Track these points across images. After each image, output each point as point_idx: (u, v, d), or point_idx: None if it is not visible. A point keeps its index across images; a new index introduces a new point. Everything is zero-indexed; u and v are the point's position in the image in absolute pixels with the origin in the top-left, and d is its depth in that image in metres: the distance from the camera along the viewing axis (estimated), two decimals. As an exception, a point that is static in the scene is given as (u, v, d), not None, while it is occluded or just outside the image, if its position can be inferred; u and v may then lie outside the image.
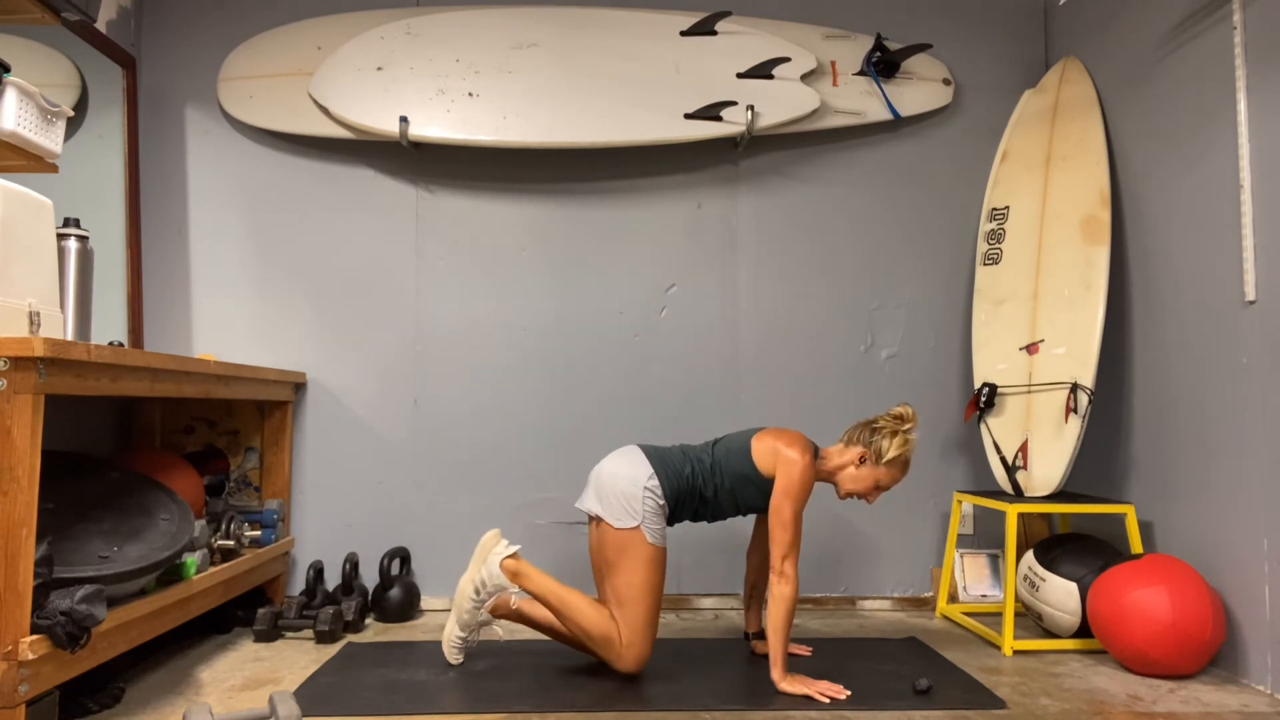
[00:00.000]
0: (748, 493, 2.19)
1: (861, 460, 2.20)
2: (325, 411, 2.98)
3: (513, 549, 2.20)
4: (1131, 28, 2.67)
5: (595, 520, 2.20)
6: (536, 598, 2.18)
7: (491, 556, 2.19)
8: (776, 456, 2.14)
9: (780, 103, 2.90)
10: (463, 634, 2.25)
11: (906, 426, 2.20)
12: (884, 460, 2.19)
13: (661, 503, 2.16)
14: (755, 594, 2.46)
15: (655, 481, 2.15)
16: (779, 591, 2.07)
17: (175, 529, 2.07)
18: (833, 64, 3.02)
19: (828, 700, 2.00)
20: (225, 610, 2.62)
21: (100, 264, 2.73)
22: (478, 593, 2.18)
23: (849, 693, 2.04)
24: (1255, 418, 2.15)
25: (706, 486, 2.19)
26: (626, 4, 3.07)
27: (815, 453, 2.20)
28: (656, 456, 2.21)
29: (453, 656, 2.26)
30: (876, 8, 3.13)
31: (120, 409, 2.81)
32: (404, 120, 2.79)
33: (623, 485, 2.15)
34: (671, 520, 2.23)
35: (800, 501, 2.10)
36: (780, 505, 2.09)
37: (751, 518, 2.99)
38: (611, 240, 3.04)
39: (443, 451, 2.97)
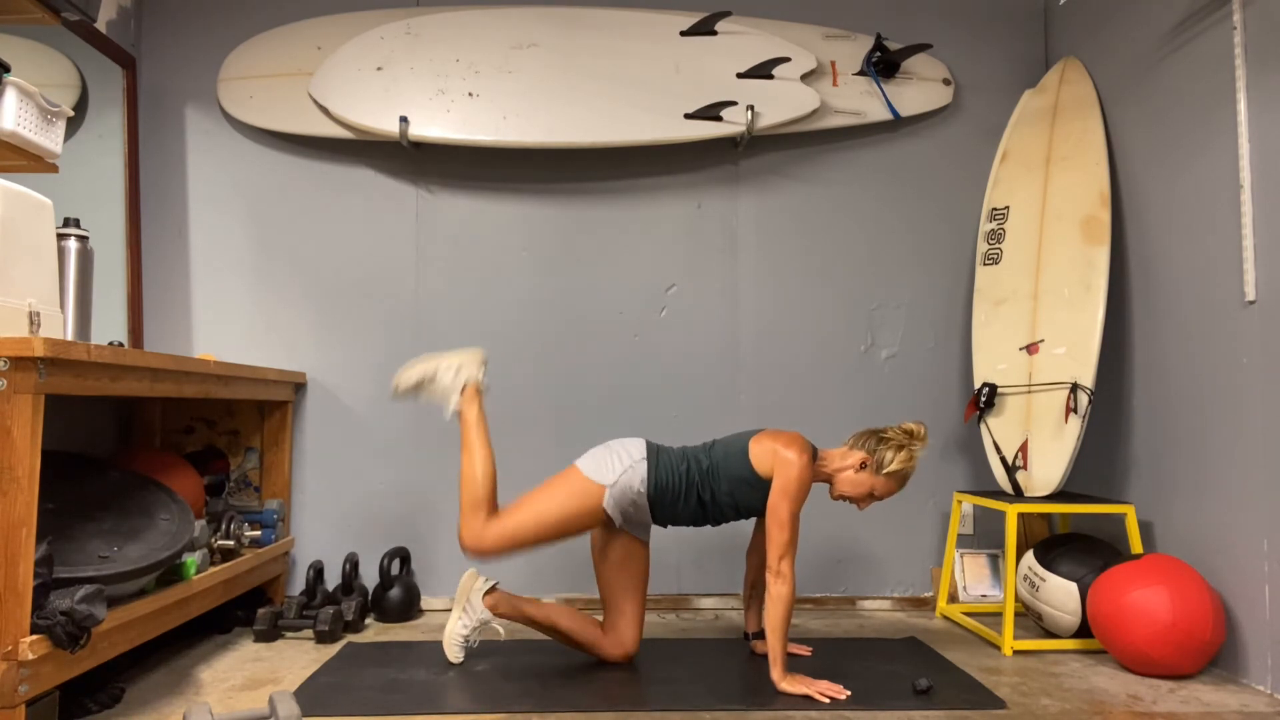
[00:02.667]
0: (746, 495, 2.18)
1: (863, 465, 2.20)
2: (325, 411, 2.98)
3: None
4: (1131, 28, 2.67)
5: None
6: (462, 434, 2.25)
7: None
8: (775, 457, 2.14)
9: (780, 103, 2.90)
10: (464, 633, 2.25)
11: (915, 444, 2.20)
12: (884, 470, 2.19)
13: (640, 489, 2.17)
14: (755, 594, 2.46)
15: (645, 466, 2.17)
16: (776, 592, 2.07)
17: (175, 529, 2.07)
18: (833, 64, 3.02)
19: (828, 700, 2.00)
20: (225, 610, 2.62)
21: (100, 264, 2.72)
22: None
23: (849, 693, 2.04)
24: (1255, 418, 2.15)
25: (704, 490, 2.18)
26: (626, 4, 3.07)
27: (814, 454, 2.20)
28: (655, 449, 2.23)
29: (454, 655, 2.26)
30: (876, 8, 3.13)
31: (120, 409, 2.81)
32: (404, 120, 2.79)
33: (614, 450, 2.21)
34: (664, 521, 2.22)
35: (798, 502, 2.10)
36: (777, 505, 2.09)
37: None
38: (611, 240, 3.04)
39: (442, 451, 2.97)
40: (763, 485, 2.16)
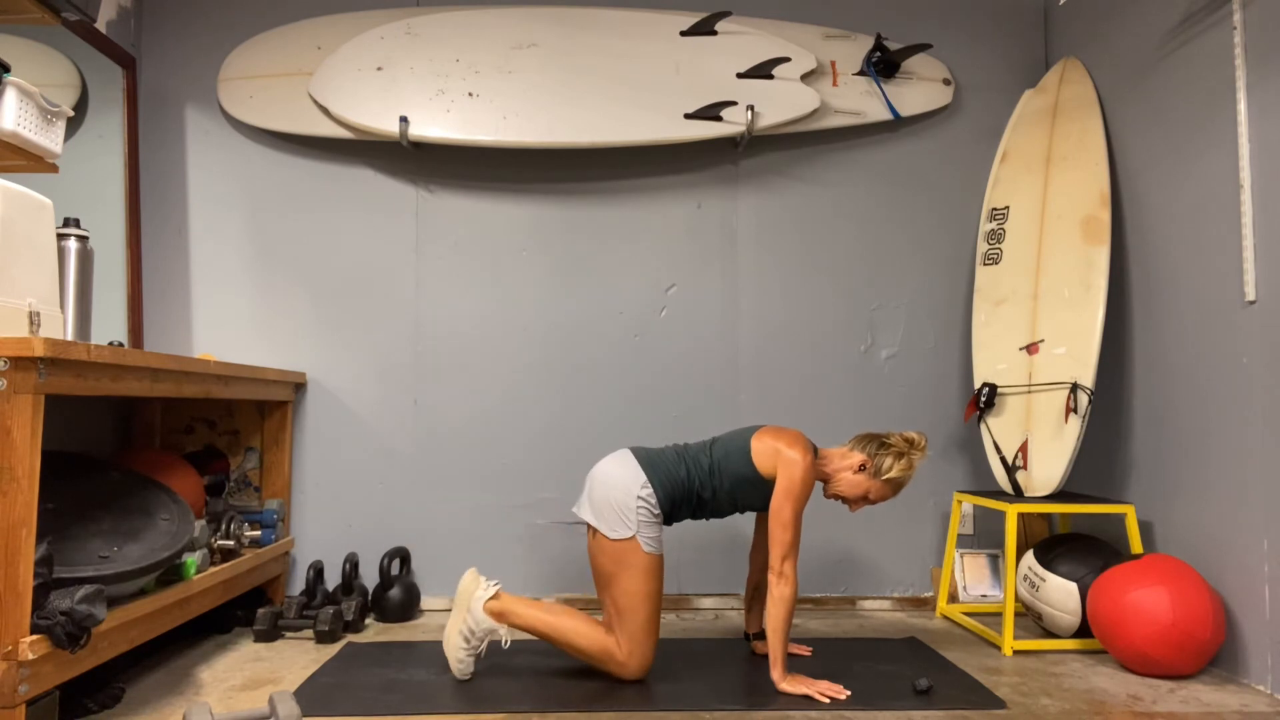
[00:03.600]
0: (747, 494, 2.18)
1: (862, 468, 2.21)
2: (325, 411, 2.98)
3: (492, 589, 2.14)
4: (1131, 28, 2.67)
5: (591, 528, 2.18)
6: (527, 631, 2.14)
7: (474, 603, 2.13)
8: (778, 457, 2.14)
9: (780, 103, 2.90)
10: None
11: (915, 453, 2.21)
12: (882, 476, 2.20)
13: (656, 512, 2.13)
14: (758, 595, 2.46)
15: (649, 490, 2.12)
16: (779, 592, 2.07)
17: (175, 529, 2.07)
18: (833, 64, 3.02)
19: (828, 700, 2.00)
20: (225, 610, 2.61)
21: (100, 264, 2.73)
22: (468, 641, 2.13)
23: (849, 693, 2.04)
24: (1255, 417, 2.15)
25: (704, 489, 2.18)
26: (626, 4, 3.07)
27: (815, 453, 2.20)
28: (648, 461, 2.17)
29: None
30: (876, 8, 3.13)
31: (120, 409, 2.81)
32: (404, 120, 2.79)
33: (616, 495, 2.12)
34: (670, 521, 2.22)
35: (801, 502, 2.10)
36: (781, 506, 2.09)
37: (751, 517, 2.99)
38: (611, 240, 3.04)
39: (442, 451, 2.97)
40: (764, 484, 2.16)
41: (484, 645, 2.16)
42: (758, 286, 3.05)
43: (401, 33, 2.87)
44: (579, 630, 2.12)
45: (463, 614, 2.14)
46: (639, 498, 2.11)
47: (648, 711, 1.94)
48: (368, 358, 2.99)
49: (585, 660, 2.14)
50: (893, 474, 2.19)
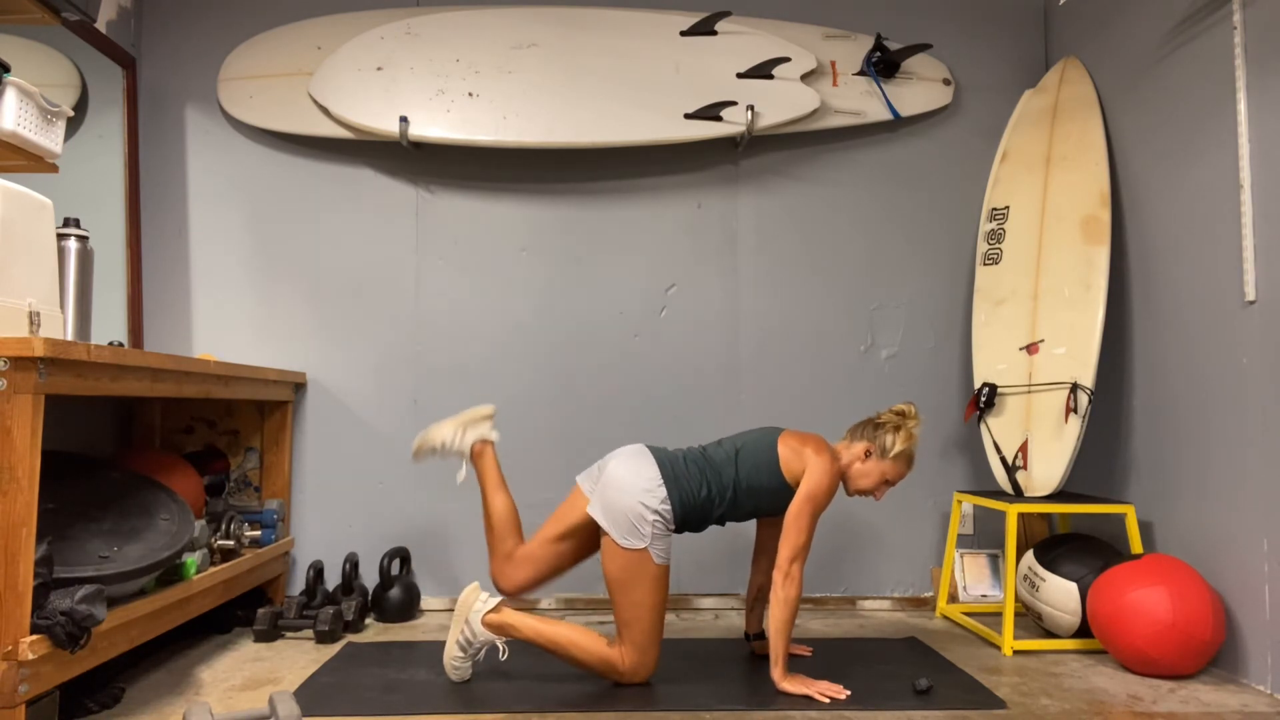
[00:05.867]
0: (769, 502, 2.16)
1: (867, 454, 2.20)
2: (325, 411, 2.97)
3: (493, 602, 2.12)
4: (1131, 28, 2.67)
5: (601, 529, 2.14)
6: (528, 642, 2.12)
7: (472, 615, 2.11)
8: (804, 461, 2.12)
9: (780, 103, 2.90)
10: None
11: (909, 422, 2.21)
12: (890, 455, 2.19)
13: (671, 526, 2.10)
14: (761, 597, 2.44)
15: (668, 506, 2.07)
16: (784, 594, 2.06)
17: (175, 529, 2.07)
18: (833, 64, 3.02)
19: (828, 700, 2.00)
20: (225, 610, 2.62)
21: (100, 264, 2.73)
22: (464, 650, 2.11)
23: (849, 693, 2.04)
24: (1255, 418, 2.15)
25: (721, 505, 2.13)
26: (626, 4, 3.07)
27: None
28: (671, 474, 2.11)
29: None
30: (876, 8, 3.13)
31: (120, 409, 2.81)
32: (404, 120, 2.79)
33: (630, 503, 2.06)
34: (678, 532, 2.20)
35: (822, 508, 2.10)
36: (801, 510, 2.08)
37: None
38: (611, 240, 3.04)
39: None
40: (789, 491, 2.15)
41: (481, 653, 2.16)
42: (758, 286, 3.05)
43: (401, 33, 2.87)
44: (578, 644, 2.10)
45: (460, 624, 2.13)
46: (656, 511, 2.06)
47: (648, 712, 1.94)
48: (367, 358, 2.99)
49: (587, 671, 2.14)
50: (899, 448, 2.18)
